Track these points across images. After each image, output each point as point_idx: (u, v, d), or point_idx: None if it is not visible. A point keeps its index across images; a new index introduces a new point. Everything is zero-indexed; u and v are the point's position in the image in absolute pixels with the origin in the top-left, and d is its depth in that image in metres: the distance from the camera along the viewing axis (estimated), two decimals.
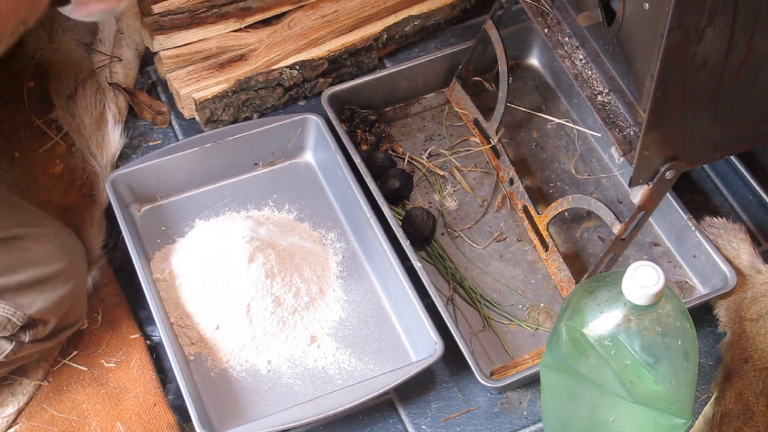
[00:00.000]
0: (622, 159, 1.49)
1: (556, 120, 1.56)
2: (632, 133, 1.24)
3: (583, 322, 1.06)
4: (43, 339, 1.24)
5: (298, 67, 1.55)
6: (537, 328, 1.36)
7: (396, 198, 1.46)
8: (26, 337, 1.21)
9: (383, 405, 1.31)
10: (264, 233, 1.38)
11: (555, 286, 1.40)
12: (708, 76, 1.13)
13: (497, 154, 1.51)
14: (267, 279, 1.33)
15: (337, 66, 1.58)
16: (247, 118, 1.55)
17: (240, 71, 1.55)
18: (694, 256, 1.40)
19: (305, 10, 1.60)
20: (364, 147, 1.51)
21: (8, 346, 1.21)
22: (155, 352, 1.33)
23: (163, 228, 1.44)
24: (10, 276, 1.19)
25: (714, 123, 1.20)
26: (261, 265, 1.33)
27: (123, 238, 1.37)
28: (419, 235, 1.41)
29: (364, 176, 1.43)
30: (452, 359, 1.30)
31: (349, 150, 1.45)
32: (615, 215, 1.31)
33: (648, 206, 1.27)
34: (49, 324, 1.23)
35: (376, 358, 1.33)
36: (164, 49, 1.55)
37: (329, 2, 1.61)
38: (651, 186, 1.24)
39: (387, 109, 1.58)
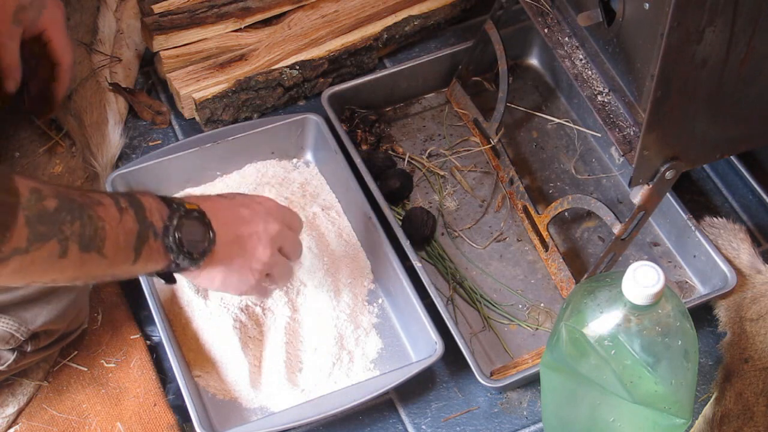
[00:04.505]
0: (622, 159, 1.49)
1: (556, 120, 1.56)
2: (632, 133, 1.24)
3: (583, 322, 1.06)
4: (45, 347, 1.23)
5: (298, 67, 1.55)
6: (537, 328, 1.36)
7: (396, 198, 1.46)
8: (29, 347, 1.20)
9: (383, 405, 1.31)
10: None
11: (555, 286, 1.40)
12: (708, 76, 1.13)
13: (497, 154, 1.51)
14: None
15: (337, 66, 1.58)
16: (247, 118, 1.55)
17: (240, 71, 1.54)
18: (694, 256, 1.40)
19: (305, 10, 1.60)
20: (364, 147, 1.51)
21: (10, 357, 1.20)
22: (155, 352, 1.33)
23: None
24: (14, 291, 1.17)
25: (714, 123, 1.20)
26: None
27: None
28: (419, 235, 1.41)
29: (364, 176, 1.42)
30: (452, 359, 1.30)
31: (349, 150, 1.45)
32: (615, 215, 1.31)
33: (648, 206, 1.27)
34: (52, 334, 1.22)
35: (376, 358, 1.33)
36: (164, 49, 1.55)
37: (329, 2, 1.61)
38: (651, 186, 1.24)
39: (387, 109, 1.58)
